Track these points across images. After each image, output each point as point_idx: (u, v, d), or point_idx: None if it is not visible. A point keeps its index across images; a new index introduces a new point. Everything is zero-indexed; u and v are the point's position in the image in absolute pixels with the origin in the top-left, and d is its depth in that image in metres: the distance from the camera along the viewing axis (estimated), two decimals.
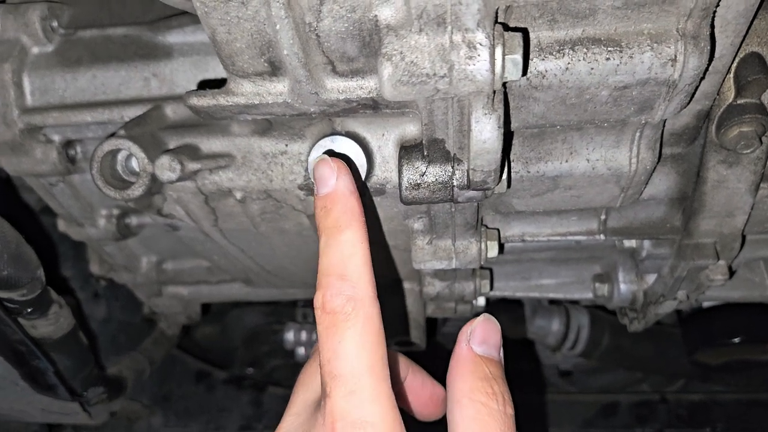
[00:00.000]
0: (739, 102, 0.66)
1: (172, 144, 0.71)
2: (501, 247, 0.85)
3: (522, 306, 1.56)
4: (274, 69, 0.56)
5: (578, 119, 0.62)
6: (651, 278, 0.99)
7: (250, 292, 1.21)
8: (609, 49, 0.54)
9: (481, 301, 1.06)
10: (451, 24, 0.48)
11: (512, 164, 0.71)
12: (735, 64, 0.64)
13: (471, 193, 0.64)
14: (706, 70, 0.56)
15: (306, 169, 0.70)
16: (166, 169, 0.67)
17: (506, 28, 0.52)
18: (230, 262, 1.00)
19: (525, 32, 0.55)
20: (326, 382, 0.48)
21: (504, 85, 0.54)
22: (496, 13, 0.51)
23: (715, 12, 0.54)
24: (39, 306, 0.89)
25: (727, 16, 0.55)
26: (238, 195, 0.74)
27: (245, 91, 0.58)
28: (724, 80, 0.65)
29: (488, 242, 0.82)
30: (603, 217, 0.87)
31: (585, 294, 1.10)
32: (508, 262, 1.10)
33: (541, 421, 1.46)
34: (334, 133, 0.67)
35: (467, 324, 0.53)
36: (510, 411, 0.49)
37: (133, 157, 0.68)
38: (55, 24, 0.77)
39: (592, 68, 0.55)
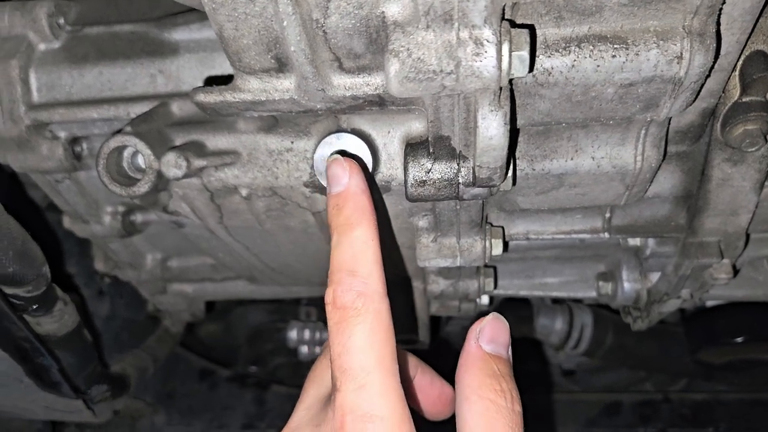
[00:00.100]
0: (744, 100, 0.66)
1: (178, 141, 0.71)
2: (505, 245, 0.86)
3: (529, 305, 1.56)
4: (281, 65, 0.56)
5: (584, 117, 0.63)
6: (655, 277, 0.99)
7: (254, 289, 1.21)
8: (615, 46, 0.54)
9: (484, 300, 1.06)
10: (458, 20, 0.48)
11: (517, 162, 0.72)
12: (740, 62, 0.64)
13: (476, 191, 0.64)
14: (712, 67, 0.56)
15: (312, 167, 0.70)
16: (173, 166, 0.67)
17: (513, 24, 0.53)
18: (235, 260, 1.00)
19: (532, 29, 0.55)
20: (336, 376, 0.48)
21: (510, 82, 0.54)
22: (503, 9, 0.51)
23: (721, 9, 0.54)
24: (44, 303, 0.89)
25: (733, 14, 0.55)
26: (244, 192, 0.74)
27: (252, 88, 0.58)
28: (729, 78, 0.65)
29: (493, 240, 0.82)
30: (607, 215, 0.87)
31: (589, 292, 1.10)
32: (512, 260, 1.10)
33: (544, 421, 1.46)
34: (340, 130, 0.67)
35: (476, 322, 0.54)
36: (518, 408, 0.49)
37: (139, 153, 0.69)
38: (61, 20, 0.77)
39: (598, 65, 0.55)
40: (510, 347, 0.54)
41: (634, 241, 0.96)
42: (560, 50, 0.55)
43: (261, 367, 1.66)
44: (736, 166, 0.74)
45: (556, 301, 1.58)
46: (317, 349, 1.59)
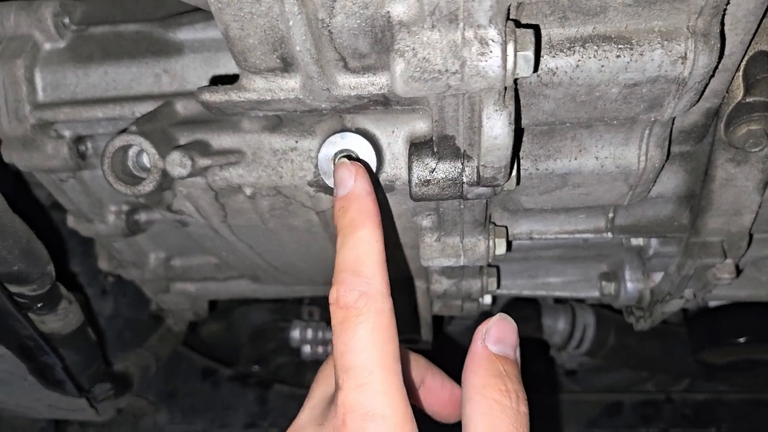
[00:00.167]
0: (747, 100, 0.66)
1: (183, 140, 0.71)
2: (509, 244, 0.86)
3: (536, 305, 1.56)
4: (286, 65, 0.56)
5: (588, 117, 0.63)
6: (658, 277, 1.00)
7: (257, 289, 1.21)
8: (619, 46, 0.55)
9: (487, 299, 1.06)
10: (464, 20, 0.48)
11: (521, 161, 0.72)
12: (744, 63, 0.65)
13: (480, 190, 0.64)
14: (716, 68, 0.56)
15: (316, 166, 0.70)
16: (177, 165, 0.67)
17: (518, 24, 0.53)
18: (238, 259, 1.00)
19: (536, 29, 0.55)
20: (339, 375, 0.48)
21: (515, 81, 0.54)
22: (508, 9, 0.51)
23: (725, 10, 0.54)
24: (49, 301, 0.90)
25: (737, 14, 0.56)
26: (248, 191, 0.74)
27: (257, 87, 0.58)
28: (733, 78, 0.65)
29: (496, 239, 0.82)
30: (611, 214, 0.87)
31: (592, 292, 1.10)
32: (515, 260, 1.10)
33: (545, 420, 1.46)
34: (344, 129, 0.67)
35: (483, 323, 0.54)
36: (524, 409, 0.49)
37: (144, 153, 0.69)
38: (67, 20, 0.77)
39: (602, 66, 0.55)
40: (518, 348, 0.54)
41: (637, 241, 0.96)
42: (565, 50, 0.55)
43: (263, 366, 1.66)
44: (739, 166, 0.74)
45: (559, 301, 1.58)
46: (320, 349, 1.59)
